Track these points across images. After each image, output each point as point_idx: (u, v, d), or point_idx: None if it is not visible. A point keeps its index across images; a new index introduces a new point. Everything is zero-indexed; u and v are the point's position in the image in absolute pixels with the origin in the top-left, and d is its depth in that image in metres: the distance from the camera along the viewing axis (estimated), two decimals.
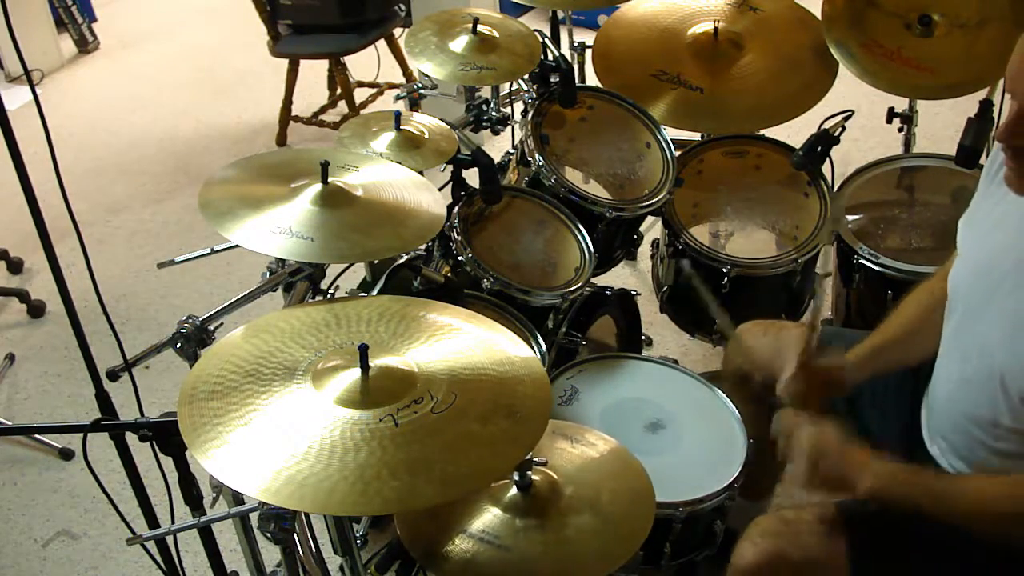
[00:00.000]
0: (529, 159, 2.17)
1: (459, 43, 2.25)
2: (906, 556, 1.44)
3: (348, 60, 3.84)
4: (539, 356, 1.93)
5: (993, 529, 1.32)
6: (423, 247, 2.03)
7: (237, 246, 1.54)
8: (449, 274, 1.99)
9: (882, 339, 1.63)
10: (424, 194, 1.72)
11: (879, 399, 1.66)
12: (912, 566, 1.45)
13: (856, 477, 1.38)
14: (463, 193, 2.08)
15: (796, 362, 1.59)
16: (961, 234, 1.53)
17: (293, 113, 3.94)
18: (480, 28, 2.25)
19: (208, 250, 1.73)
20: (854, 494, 1.38)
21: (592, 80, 2.61)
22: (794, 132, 2.43)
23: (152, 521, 1.60)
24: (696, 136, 2.58)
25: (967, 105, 2.21)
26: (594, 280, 2.23)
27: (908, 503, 1.36)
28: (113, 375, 1.52)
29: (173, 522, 1.49)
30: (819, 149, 2.22)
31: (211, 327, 1.59)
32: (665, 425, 1.83)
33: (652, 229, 2.75)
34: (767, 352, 1.83)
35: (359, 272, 2.41)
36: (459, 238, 2.00)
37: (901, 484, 1.37)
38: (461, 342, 1.35)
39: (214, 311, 1.61)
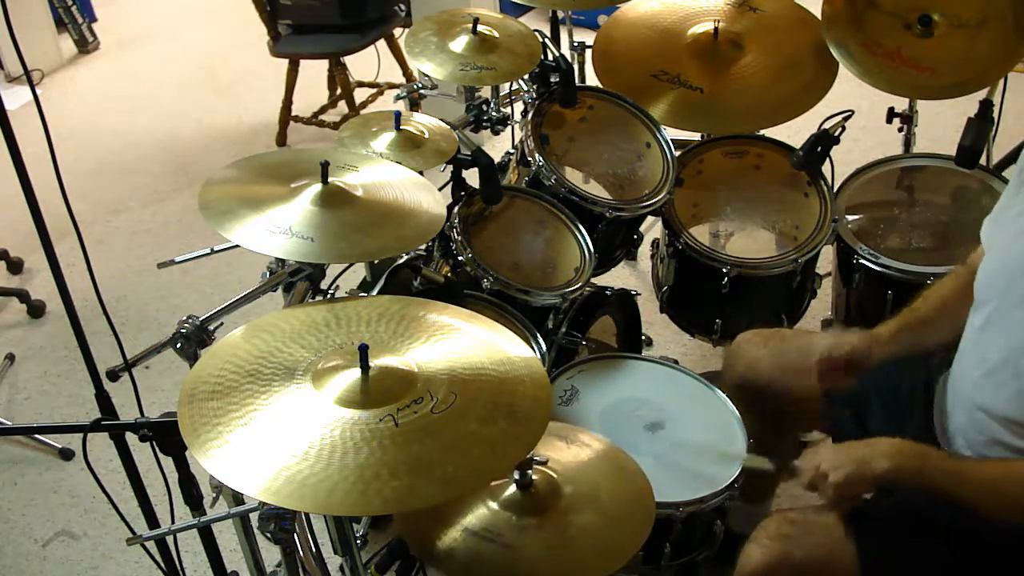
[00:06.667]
0: (529, 159, 2.17)
1: (459, 43, 2.25)
2: (916, 558, 1.44)
3: (348, 60, 3.84)
4: (539, 356, 1.93)
5: (999, 513, 1.33)
6: (423, 247, 2.03)
7: (237, 246, 1.54)
8: (449, 274, 1.99)
9: (912, 317, 1.63)
10: (424, 194, 1.72)
11: (888, 398, 1.66)
12: (922, 568, 1.45)
13: (872, 460, 1.38)
14: (463, 193, 2.08)
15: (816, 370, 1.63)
16: (988, 232, 1.52)
17: (293, 113, 3.94)
18: (480, 28, 2.25)
19: (208, 250, 1.73)
20: (872, 479, 1.39)
21: (592, 80, 2.61)
22: (794, 132, 2.43)
23: (152, 521, 1.61)
24: (696, 136, 2.58)
25: (967, 105, 2.21)
26: (594, 280, 2.23)
27: (923, 481, 1.37)
28: (113, 375, 1.52)
29: (173, 522, 1.49)
30: (819, 149, 2.22)
31: (211, 327, 1.59)
32: (665, 425, 1.83)
33: (652, 229, 2.75)
34: (769, 362, 1.83)
35: (359, 272, 2.41)
36: (459, 238, 2.00)
37: (916, 461, 1.38)
38: (461, 342, 1.35)
39: (214, 311, 1.61)
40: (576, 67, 2.74)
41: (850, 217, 2.26)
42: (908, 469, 1.38)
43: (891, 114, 2.45)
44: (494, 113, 2.48)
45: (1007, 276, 1.41)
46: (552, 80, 2.27)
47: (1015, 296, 1.38)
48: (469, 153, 2.00)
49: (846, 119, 2.21)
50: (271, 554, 1.56)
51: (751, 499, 1.96)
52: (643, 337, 2.51)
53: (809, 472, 1.47)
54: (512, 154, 2.54)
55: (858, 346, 1.63)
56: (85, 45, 4.87)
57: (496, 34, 2.28)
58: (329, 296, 1.79)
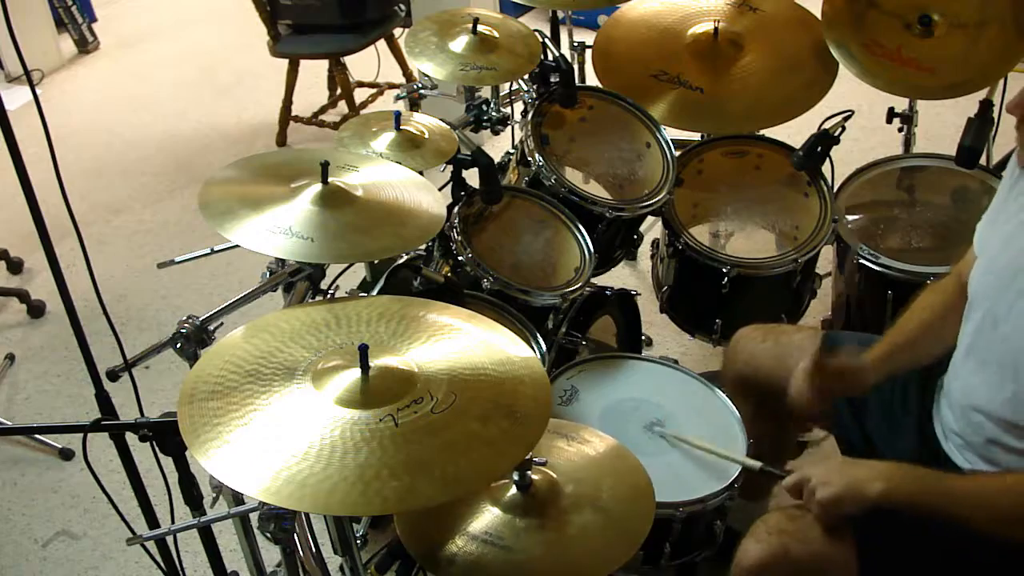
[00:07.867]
0: (529, 159, 2.17)
1: (459, 43, 2.25)
2: (914, 553, 1.44)
3: (348, 60, 3.84)
4: (539, 356, 1.93)
5: (996, 528, 1.32)
6: (423, 247, 2.03)
7: (237, 246, 1.54)
8: (449, 274, 1.99)
9: (899, 339, 1.63)
10: (424, 194, 1.72)
11: (886, 398, 1.66)
12: (920, 563, 1.45)
13: (866, 483, 1.37)
14: (463, 193, 2.08)
15: (810, 363, 1.60)
16: (981, 236, 1.52)
17: (293, 113, 3.94)
18: (480, 28, 2.25)
19: (208, 250, 1.73)
20: (864, 502, 1.37)
21: (592, 80, 2.61)
22: (794, 132, 2.42)
23: (152, 521, 1.60)
24: (696, 136, 2.58)
25: (967, 105, 2.21)
26: (594, 280, 2.23)
27: (917, 503, 1.36)
28: (113, 375, 1.51)
29: (173, 522, 1.49)
30: (819, 149, 2.22)
31: (211, 327, 1.58)
32: (665, 425, 1.83)
33: (652, 229, 2.75)
34: (768, 356, 1.83)
35: (359, 272, 2.41)
36: (459, 238, 2.00)
37: (910, 484, 1.36)
38: (461, 342, 1.35)
39: (214, 311, 1.61)
40: (576, 67, 2.74)
41: (850, 217, 2.26)
42: (904, 493, 1.36)
43: (891, 114, 2.45)
44: (494, 113, 2.48)
45: (1000, 279, 1.41)
46: (552, 80, 2.27)
47: (1008, 299, 1.38)
48: (469, 153, 2.00)
49: (846, 119, 2.21)
50: (271, 554, 1.56)
51: (750, 496, 1.96)
52: (643, 337, 2.51)
53: (795, 480, 1.45)
54: (512, 154, 2.54)
55: (851, 358, 1.61)
56: (85, 45, 4.87)
57: (496, 34, 2.28)
58: (329, 296, 1.79)
